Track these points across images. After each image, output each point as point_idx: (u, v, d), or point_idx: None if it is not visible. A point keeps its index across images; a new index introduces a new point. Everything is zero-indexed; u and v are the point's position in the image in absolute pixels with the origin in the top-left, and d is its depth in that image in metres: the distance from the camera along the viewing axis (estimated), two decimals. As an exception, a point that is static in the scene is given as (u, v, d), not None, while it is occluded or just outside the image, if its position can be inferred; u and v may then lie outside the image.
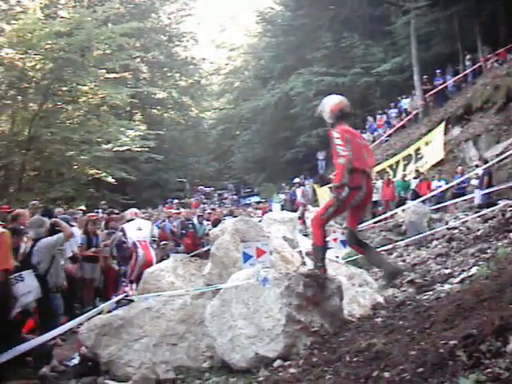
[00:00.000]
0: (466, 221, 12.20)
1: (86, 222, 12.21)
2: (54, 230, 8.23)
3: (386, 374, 4.72)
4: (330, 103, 6.71)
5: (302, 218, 17.67)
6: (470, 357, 4.04)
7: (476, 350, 4.08)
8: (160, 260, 11.57)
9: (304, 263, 10.10)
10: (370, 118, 31.46)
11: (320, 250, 6.71)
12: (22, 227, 8.55)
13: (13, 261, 7.09)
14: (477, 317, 4.77)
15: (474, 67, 26.57)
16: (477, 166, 16.64)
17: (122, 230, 11.72)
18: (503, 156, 13.91)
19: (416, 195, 17.92)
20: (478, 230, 11.04)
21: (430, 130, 24.87)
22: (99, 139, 25.91)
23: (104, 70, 26.82)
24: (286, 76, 37.47)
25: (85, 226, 12.02)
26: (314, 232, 6.81)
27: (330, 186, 25.71)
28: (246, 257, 7.03)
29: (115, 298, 9.25)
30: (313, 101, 33.38)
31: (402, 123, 28.85)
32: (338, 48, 34.65)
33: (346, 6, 36.13)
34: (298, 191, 19.03)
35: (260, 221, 13.92)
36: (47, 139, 23.96)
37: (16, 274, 7.80)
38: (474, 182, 16.51)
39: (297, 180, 19.44)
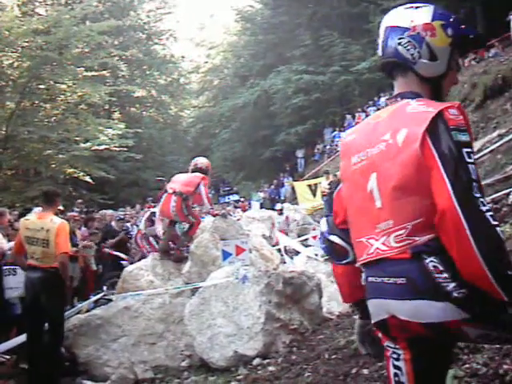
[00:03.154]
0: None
1: (67, 220, 12.06)
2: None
3: (365, 371, 4.73)
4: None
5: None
6: (448, 352, 4.05)
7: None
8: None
9: (283, 261, 10.12)
10: (348, 116, 31.47)
11: None
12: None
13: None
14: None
15: (452, 65, 26.72)
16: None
17: None
18: (480, 154, 13.98)
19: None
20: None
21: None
22: (77, 138, 25.60)
23: (82, 68, 26.47)
24: (265, 74, 37.41)
25: (66, 225, 11.85)
26: None
27: (308, 182, 25.84)
28: (226, 255, 7.03)
29: (94, 298, 9.19)
30: (292, 99, 33.41)
31: (380, 121, 28.91)
32: (317, 46, 34.66)
33: (324, 4, 36.11)
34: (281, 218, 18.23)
35: (239, 219, 13.89)
36: (24, 138, 23.62)
37: (11, 267, 7.82)
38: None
39: (279, 206, 18.90)
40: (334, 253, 2.57)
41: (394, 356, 2.20)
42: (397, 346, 2.18)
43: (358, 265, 2.37)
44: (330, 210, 2.65)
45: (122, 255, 12.55)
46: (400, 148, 2.11)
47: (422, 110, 2.13)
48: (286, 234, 15.10)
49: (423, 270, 2.00)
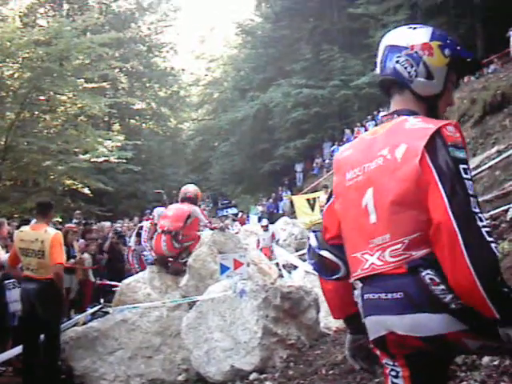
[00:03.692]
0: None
1: (66, 232, 12.01)
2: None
3: (362, 388, 4.71)
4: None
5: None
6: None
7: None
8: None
9: (281, 275, 10.10)
10: (347, 131, 31.40)
11: None
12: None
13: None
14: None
15: (451, 81, 26.82)
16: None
17: None
18: (479, 170, 13.99)
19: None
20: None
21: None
22: (76, 149, 25.65)
23: (82, 80, 26.54)
24: (265, 87, 37.44)
25: (64, 237, 11.78)
26: None
27: (307, 196, 25.81)
28: (224, 268, 7.02)
29: (91, 310, 9.17)
30: (291, 112, 33.45)
31: (379, 136, 28.89)
32: (317, 60, 34.70)
33: (325, 18, 36.32)
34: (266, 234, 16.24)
35: (237, 233, 13.84)
36: (24, 149, 23.65)
37: (14, 280, 7.84)
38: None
39: (265, 222, 16.89)
40: (323, 268, 2.55)
41: (393, 373, 2.18)
42: (395, 364, 2.17)
43: (352, 280, 2.37)
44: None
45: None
46: (399, 163, 2.14)
47: (421, 126, 2.16)
48: (270, 253, 13.82)
49: (420, 283, 2.01)
